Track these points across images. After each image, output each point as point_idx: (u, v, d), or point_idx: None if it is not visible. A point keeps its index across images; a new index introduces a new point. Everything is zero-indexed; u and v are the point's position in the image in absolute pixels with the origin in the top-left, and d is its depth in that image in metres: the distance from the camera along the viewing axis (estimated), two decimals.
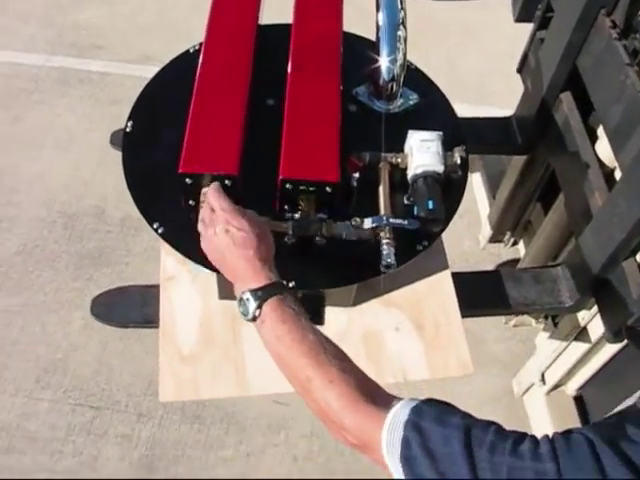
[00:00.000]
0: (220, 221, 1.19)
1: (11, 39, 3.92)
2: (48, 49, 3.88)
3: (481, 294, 1.91)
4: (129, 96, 1.72)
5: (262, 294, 1.12)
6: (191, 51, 1.78)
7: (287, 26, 1.68)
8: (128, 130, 1.61)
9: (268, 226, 1.26)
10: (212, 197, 1.25)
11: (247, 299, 1.12)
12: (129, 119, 1.63)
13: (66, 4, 4.17)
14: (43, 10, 4.12)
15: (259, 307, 1.11)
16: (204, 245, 1.23)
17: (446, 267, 1.68)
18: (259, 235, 1.18)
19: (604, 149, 1.96)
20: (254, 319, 1.12)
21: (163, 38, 3.91)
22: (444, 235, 1.55)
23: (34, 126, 3.47)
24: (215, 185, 1.29)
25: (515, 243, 2.88)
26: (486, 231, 2.87)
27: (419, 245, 1.44)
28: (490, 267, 2.95)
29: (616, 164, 1.89)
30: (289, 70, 1.56)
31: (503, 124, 2.36)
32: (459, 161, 1.48)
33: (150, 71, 1.76)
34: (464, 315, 1.64)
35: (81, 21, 4.07)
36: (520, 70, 2.39)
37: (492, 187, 2.83)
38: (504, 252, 2.99)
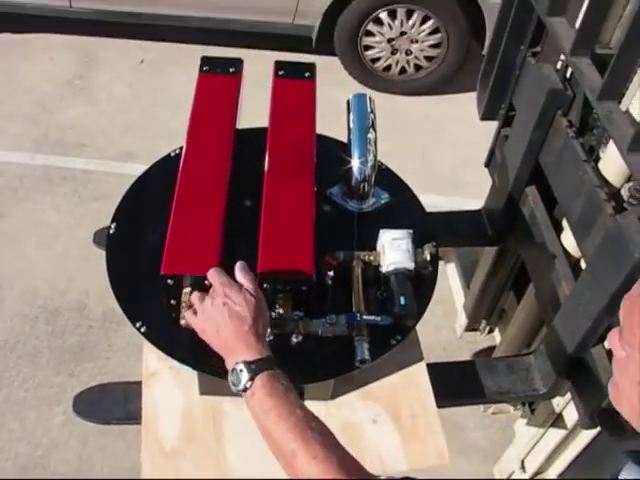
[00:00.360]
0: (219, 294, 1.22)
1: None
2: (33, 147, 3.99)
3: (456, 384, 1.96)
4: (111, 193, 1.80)
5: (255, 367, 1.15)
6: (172, 155, 1.86)
7: (263, 130, 1.77)
8: (111, 232, 1.67)
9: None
10: (211, 275, 1.27)
11: (240, 370, 1.15)
12: (112, 221, 1.70)
13: (52, 104, 4.31)
14: (30, 110, 4.25)
15: (251, 379, 1.14)
16: (199, 317, 1.25)
17: (421, 359, 1.73)
18: (255, 311, 1.21)
19: (569, 240, 2.05)
20: (244, 390, 1.15)
21: (144, 136, 4.05)
22: (422, 324, 1.60)
23: (18, 223, 3.54)
24: (215, 268, 1.30)
25: (491, 331, 2.94)
26: (462, 320, 2.93)
27: (393, 339, 1.49)
28: (467, 355, 2.99)
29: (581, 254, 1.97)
30: (265, 172, 1.64)
31: (473, 217, 2.46)
32: (429, 258, 1.55)
33: (132, 168, 1.84)
34: (440, 405, 1.68)
35: (66, 120, 4.20)
36: (487, 165, 2.51)
37: (467, 277, 2.91)
38: (480, 340, 3.04)
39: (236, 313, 1.19)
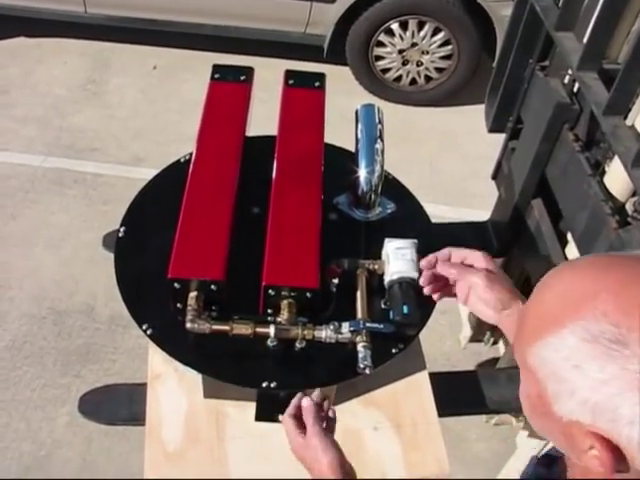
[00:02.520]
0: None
1: (11, 141, 4.07)
2: (45, 150, 4.02)
3: (458, 394, 1.96)
4: (121, 196, 1.81)
5: None
6: (182, 160, 1.88)
7: (272, 138, 1.80)
8: (120, 235, 1.70)
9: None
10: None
11: None
12: (122, 225, 1.72)
13: (65, 107, 4.35)
14: (43, 113, 4.29)
15: None
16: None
17: (424, 368, 1.74)
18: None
19: (574, 253, 2.06)
20: None
21: (155, 141, 4.08)
22: (426, 334, 1.62)
23: (28, 224, 3.57)
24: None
25: (495, 342, 2.94)
26: (466, 331, 2.94)
27: (395, 348, 1.51)
28: (470, 366, 3.00)
29: None
30: (273, 180, 1.67)
31: (479, 228, 2.48)
32: None
33: (142, 173, 1.86)
34: (441, 414, 1.69)
35: (78, 124, 4.24)
36: (494, 177, 2.53)
37: None
38: (484, 351, 3.04)
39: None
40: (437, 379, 1.74)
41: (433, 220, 1.86)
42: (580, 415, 0.72)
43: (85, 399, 1.85)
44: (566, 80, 2.13)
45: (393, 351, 1.50)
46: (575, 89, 2.10)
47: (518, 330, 0.81)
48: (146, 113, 4.36)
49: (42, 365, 2.98)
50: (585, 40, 1.90)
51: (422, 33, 4.32)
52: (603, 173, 1.96)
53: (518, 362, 0.82)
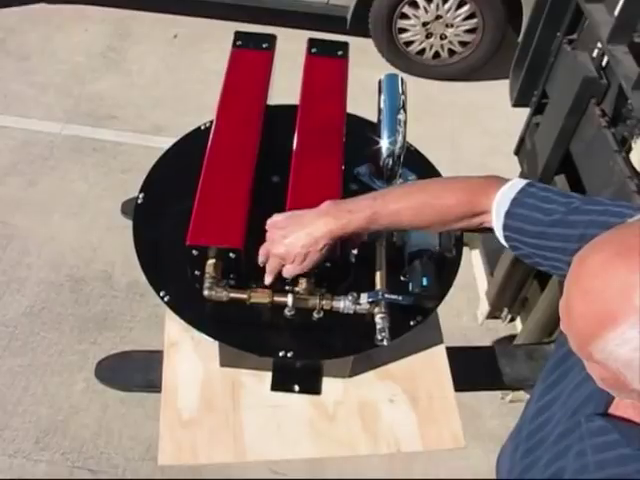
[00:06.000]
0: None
1: (31, 107, 4.08)
2: (65, 118, 4.03)
3: (475, 369, 1.95)
4: (140, 165, 1.80)
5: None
6: (202, 128, 1.87)
7: (294, 107, 1.77)
8: (139, 202, 1.69)
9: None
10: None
11: None
12: (141, 191, 1.71)
13: (84, 75, 4.35)
14: (62, 80, 4.29)
15: None
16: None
17: (441, 342, 1.73)
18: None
19: None
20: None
21: (175, 110, 4.07)
22: (443, 309, 1.60)
23: (47, 191, 3.58)
24: None
25: (512, 319, 2.93)
26: (484, 307, 2.92)
27: (413, 320, 1.49)
28: (487, 342, 2.98)
29: None
30: (294, 149, 1.65)
31: None
32: (453, 240, 1.55)
33: (161, 141, 1.84)
34: (457, 389, 1.68)
35: (98, 91, 4.24)
36: (517, 152, 2.49)
37: (491, 264, 2.89)
38: (501, 328, 3.03)
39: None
40: (454, 353, 1.73)
41: None
42: None
43: (102, 365, 1.85)
44: (594, 54, 2.08)
45: (411, 323, 1.49)
46: (603, 63, 2.05)
47: (570, 325, 0.81)
48: (166, 82, 4.35)
49: (59, 331, 3.01)
50: (616, 12, 1.85)
51: (447, 6, 4.26)
52: (629, 149, 1.93)
53: (579, 353, 0.83)
